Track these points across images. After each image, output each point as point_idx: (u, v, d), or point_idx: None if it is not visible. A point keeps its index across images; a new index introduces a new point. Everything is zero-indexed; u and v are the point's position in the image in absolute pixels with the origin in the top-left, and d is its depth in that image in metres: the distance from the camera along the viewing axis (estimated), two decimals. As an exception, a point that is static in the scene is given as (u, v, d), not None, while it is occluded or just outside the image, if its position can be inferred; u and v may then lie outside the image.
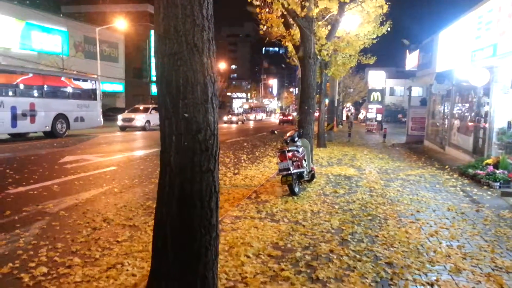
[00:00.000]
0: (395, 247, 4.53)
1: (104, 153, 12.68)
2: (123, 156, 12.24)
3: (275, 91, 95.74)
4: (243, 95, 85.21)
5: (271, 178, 8.78)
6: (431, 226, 5.42)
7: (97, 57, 31.29)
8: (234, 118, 44.59)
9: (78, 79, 19.68)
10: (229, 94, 76.72)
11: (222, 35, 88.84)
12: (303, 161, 7.44)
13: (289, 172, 6.67)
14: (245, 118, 49.64)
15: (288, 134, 7.67)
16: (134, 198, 6.94)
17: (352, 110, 66.98)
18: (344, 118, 48.96)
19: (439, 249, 4.52)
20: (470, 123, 12.19)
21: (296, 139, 7.58)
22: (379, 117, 36.25)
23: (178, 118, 2.21)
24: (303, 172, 7.23)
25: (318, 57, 9.24)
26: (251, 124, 46.86)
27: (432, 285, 3.60)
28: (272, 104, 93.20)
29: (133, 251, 4.47)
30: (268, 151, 15.13)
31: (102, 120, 20.89)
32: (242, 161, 12.16)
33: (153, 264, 2.44)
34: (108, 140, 17.38)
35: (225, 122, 42.44)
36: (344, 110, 55.79)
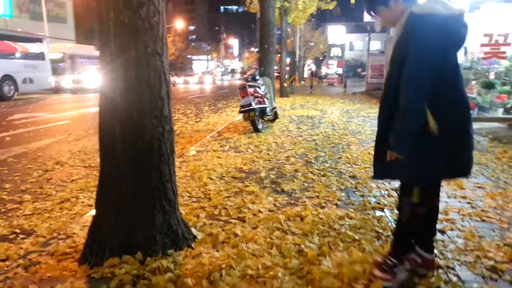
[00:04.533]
0: (358, 165, 4.54)
1: (56, 111, 11.98)
2: (76, 112, 11.62)
3: (236, 52, 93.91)
4: (204, 57, 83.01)
5: (234, 121, 8.61)
6: (392, 148, 5.47)
7: (43, 17, 29.05)
8: None
9: (23, 38, 18.25)
10: (189, 56, 74.43)
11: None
12: (265, 99, 7.28)
13: (251, 107, 6.50)
14: None
15: (249, 73, 7.45)
16: (89, 144, 6.58)
17: (314, 68, 66.94)
18: (306, 75, 48.86)
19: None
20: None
21: (257, 77, 7.37)
22: (340, 71, 36.48)
23: (114, -11, 1.94)
24: (266, 108, 7.08)
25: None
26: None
27: (396, 190, 3.62)
28: (233, 64, 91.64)
29: (89, 187, 4.23)
30: (231, 103, 14.88)
31: (53, 81, 19.68)
32: (204, 112, 11.88)
33: (102, 165, 2.23)
34: (60, 101, 16.46)
35: None
36: (306, 67, 55.65)
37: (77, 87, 22.13)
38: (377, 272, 2.01)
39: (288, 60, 19.73)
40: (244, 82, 7.05)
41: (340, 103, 13.00)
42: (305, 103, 13.07)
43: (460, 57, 8.41)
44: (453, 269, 2.19)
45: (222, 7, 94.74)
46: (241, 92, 6.73)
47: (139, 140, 2.11)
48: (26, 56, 17.93)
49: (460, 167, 1.93)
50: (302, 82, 36.04)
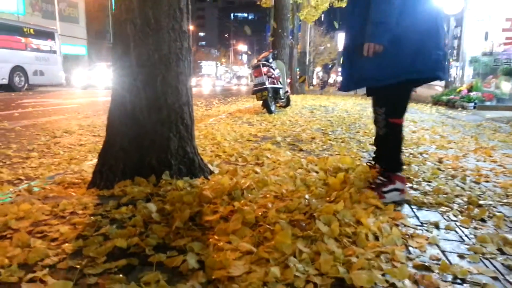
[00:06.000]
0: (378, 137, 4.34)
1: (66, 98, 11.93)
2: (86, 99, 11.57)
3: (245, 58, 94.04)
4: (213, 62, 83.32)
5: (246, 107, 8.46)
6: (414, 127, 5.28)
7: (55, 17, 29.31)
8: None
9: (35, 31, 18.32)
10: (198, 61, 74.82)
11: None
12: (279, 82, 7.11)
13: (265, 86, 6.33)
14: None
15: (262, 55, 7.29)
16: (99, 120, 6.45)
17: (322, 75, 66.51)
18: (315, 83, 48.61)
19: (424, 137, 4.39)
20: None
21: (270, 60, 7.20)
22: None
23: None
24: (279, 89, 6.90)
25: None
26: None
27: (421, 153, 3.43)
28: (242, 71, 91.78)
29: (98, 149, 4.06)
30: (241, 98, 14.75)
31: (64, 75, 19.70)
32: (214, 104, 11.75)
33: (115, 80, 2.07)
34: (70, 92, 16.45)
35: None
36: (315, 74, 55.38)
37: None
38: (364, 190, 1.92)
39: (297, 70, 19.75)
40: (258, 62, 6.89)
41: (352, 99, 12.81)
42: (316, 98, 12.89)
43: (481, 44, 8.23)
44: (495, 207, 2.00)
45: (232, 14, 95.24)
46: (254, 72, 6.57)
47: (155, 52, 1.94)
48: (38, 48, 17.98)
49: (429, 66, 1.84)
50: (311, 87, 35.84)
